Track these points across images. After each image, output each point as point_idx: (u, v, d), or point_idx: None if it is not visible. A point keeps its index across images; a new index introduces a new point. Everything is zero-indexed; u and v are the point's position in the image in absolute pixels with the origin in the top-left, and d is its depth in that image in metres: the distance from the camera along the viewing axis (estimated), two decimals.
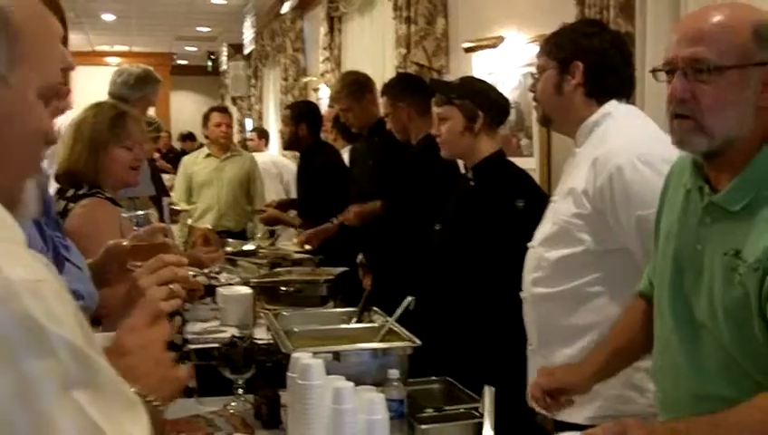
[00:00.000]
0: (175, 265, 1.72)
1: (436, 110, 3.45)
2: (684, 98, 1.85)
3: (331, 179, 5.51)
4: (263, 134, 10.57)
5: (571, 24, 2.99)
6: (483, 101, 3.38)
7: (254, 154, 8.21)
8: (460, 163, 3.83)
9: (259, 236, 6.73)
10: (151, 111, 6.12)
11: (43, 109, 1.17)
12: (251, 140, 10.30)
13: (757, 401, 1.76)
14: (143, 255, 1.93)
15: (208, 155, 7.14)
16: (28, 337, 0.96)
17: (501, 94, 3.56)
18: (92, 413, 0.99)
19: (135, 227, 2.00)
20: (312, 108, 6.29)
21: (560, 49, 2.70)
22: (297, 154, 6.45)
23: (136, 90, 4.97)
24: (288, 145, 6.16)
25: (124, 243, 1.98)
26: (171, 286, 1.70)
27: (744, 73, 1.81)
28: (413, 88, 4.50)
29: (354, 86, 5.05)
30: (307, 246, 5.28)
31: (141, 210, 2.08)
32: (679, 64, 1.86)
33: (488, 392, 2.26)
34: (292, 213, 6.25)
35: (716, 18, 1.85)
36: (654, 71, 1.98)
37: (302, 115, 5.95)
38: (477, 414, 2.38)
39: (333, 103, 5.52)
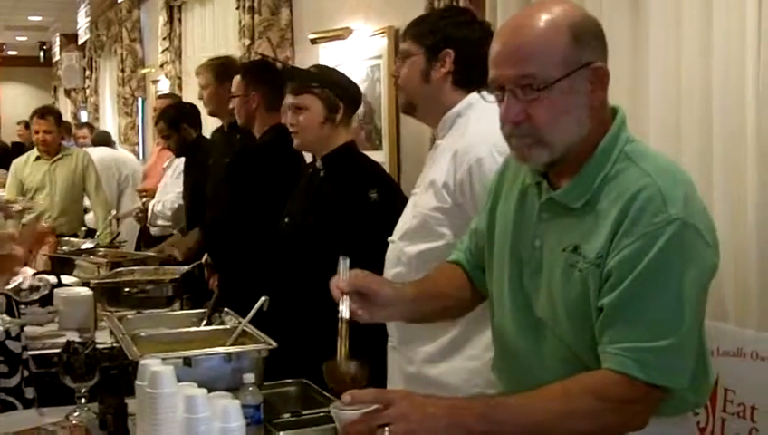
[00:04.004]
0: None
1: (291, 99, 3.32)
2: (519, 120, 1.80)
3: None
4: (92, 129, 10.26)
5: (439, 10, 2.89)
6: (343, 92, 3.30)
7: (92, 149, 7.95)
8: (307, 156, 3.74)
9: (99, 235, 6.49)
10: None
11: None
12: (83, 137, 9.92)
13: (546, 389, 1.75)
14: None
15: (38, 157, 6.86)
16: None
17: (354, 84, 3.47)
18: None
19: None
20: (183, 108, 5.96)
21: (429, 35, 2.60)
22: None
23: None
24: (180, 152, 5.79)
25: None
26: None
27: (572, 79, 1.76)
28: (269, 78, 4.33)
29: (221, 67, 4.87)
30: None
31: None
32: (507, 85, 1.80)
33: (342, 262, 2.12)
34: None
35: (534, 31, 1.78)
36: (480, 90, 1.89)
37: (179, 118, 5.72)
38: None
39: (197, 76, 5.28)
